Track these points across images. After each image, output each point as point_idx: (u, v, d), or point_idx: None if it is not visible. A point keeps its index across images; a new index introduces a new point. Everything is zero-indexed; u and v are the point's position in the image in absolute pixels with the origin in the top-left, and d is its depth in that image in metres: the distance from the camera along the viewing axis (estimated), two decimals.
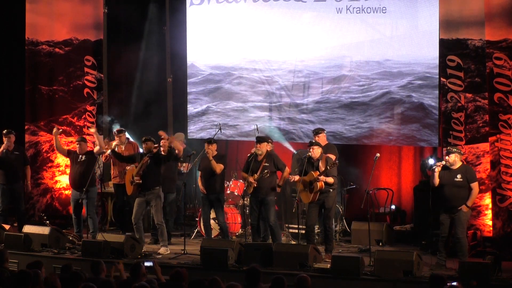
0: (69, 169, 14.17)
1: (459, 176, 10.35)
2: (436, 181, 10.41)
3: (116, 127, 13.06)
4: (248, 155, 11.77)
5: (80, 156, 12.16)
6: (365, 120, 13.19)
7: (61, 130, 12.90)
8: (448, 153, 10.46)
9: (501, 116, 11.31)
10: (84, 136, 13.04)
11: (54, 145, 12.73)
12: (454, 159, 10.40)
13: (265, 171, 11.25)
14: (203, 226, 12.10)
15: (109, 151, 12.71)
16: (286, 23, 13.81)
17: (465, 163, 11.26)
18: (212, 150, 11.76)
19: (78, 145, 12.23)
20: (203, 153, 11.94)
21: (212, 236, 12.13)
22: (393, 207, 13.01)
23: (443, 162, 10.44)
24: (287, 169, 11.50)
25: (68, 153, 12.47)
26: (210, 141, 11.90)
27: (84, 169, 12.08)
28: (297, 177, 11.18)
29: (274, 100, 14.06)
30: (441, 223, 10.47)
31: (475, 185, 10.40)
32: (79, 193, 12.03)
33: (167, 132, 14.33)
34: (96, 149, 12.23)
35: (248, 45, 14.22)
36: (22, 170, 12.90)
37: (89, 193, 11.98)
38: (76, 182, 12.14)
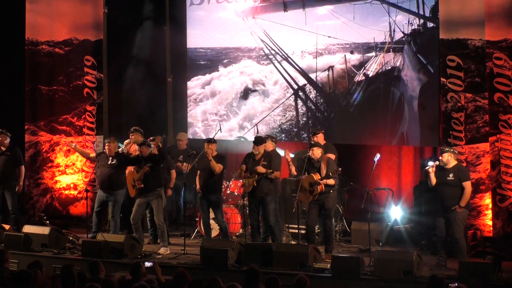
0: (69, 169, 14.26)
1: (451, 175, 10.38)
2: (433, 180, 10.45)
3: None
4: (246, 154, 11.77)
5: (111, 158, 11.89)
6: (366, 120, 13.18)
7: (74, 144, 12.73)
8: (441, 153, 10.49)
9: (501, 116, 11.31)
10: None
11: (81, 155, 12.87)
12: (448, 159, 10.43)
13: (269, 170, 11.24)
14: (203, 226, 12.10)
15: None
16: (286, 23, 13.81)
17: (464, 163, 11.30)
18: (212, 150, 11.76)
19: (107, 146, 11.94)
20: (203, 153, 11.94)
21: (212, 236, 12.13)
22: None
23: (437, 162, 10.46)
24: (277, 173, 11.45)
25: (97, 156, 12.17)
26: (210, 140, 11.90)
27: (115, 171, 11.84)
28: (293, 169, 11.18)
29: (275, 100, 14.07)
30: (437, 223, 10.50)
31: (467, 185, 10.40)
32: (106, 194, 11.87)
33: (167, 133, 14.37)
34: (118, 149, 12.01)
35: (248, 46, 14.23)
36: (13, 171, 12.77)
37: (117, 196, 11.87)
38: (106, 184, 11.87)
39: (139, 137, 12.31)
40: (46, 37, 14.45)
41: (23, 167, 12.95)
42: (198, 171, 12.06)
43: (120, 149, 12.22)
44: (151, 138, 12.21)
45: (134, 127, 12.58)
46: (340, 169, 10.95)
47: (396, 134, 12.95)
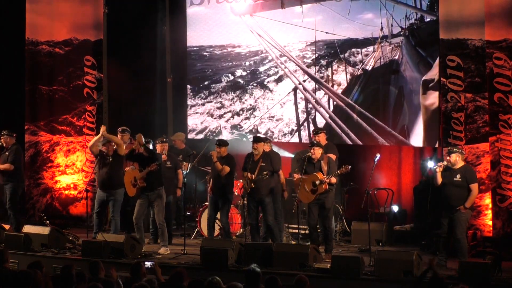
0: (69, 169, 14.25)
1: (458, 176, 10.39)
2: (439, 180, 10.45)
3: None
4: (246, 154, 11.78)
5: (108, 157, 11.86)
6: (365, 120, 13.18)
7: (105, 129, 12.26)
8: (449, 153, 10.49)
9: (501, 116, 11.31)
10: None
11: (92, 141, 12.01)
12: (455, 159, 10.44)
13: (264, 172, 11.24)
14: (207, 226, 12.05)
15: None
16: (284, 19, 13.81)
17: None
18: (220, 152, 11.72)
19: (105, 146, 11.86)
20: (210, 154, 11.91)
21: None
22: (396, 208, 12.88)
23: (445, 163, 10.46)
24: (281, 173, 11.48)
25: (96, 156, 12.05)
26: (220, 143, 11.83)
27: (112, 170, 11.79)
28: (297, 176, 11.18)
29: (274, 100, 14.07)
30: (441, 223, 10.50)
31: (474, 186, 10.43)
32: (106, 194, 11.84)
33: (167, 133, 14.36)
34: (114, 147, 11.88)
35: (248, 44, 14.24)
36: (14, 170, 12.72)
37: (117, 195, 11.84)
38: (105, 183, 11.84)
39: (127, 138, 12.25)
40: (46, 37, 14.45)
41: (9, 165, 12.70)
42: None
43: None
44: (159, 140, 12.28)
45: (122, 128, 12.50)
46: (349, 166, 10.92)
47: (396, 126, 12.93)
